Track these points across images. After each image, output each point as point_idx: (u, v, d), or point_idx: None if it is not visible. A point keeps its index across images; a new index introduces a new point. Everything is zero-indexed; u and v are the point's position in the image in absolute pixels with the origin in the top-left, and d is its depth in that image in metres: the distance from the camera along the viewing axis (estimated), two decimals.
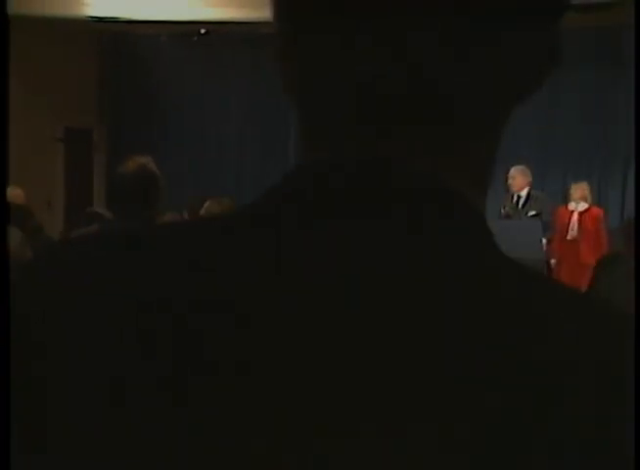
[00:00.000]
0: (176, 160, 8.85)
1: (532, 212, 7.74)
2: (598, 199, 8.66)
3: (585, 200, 8.14)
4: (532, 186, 8.06)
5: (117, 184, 2.99)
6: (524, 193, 7.94)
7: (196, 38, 9.62)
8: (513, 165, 8.20)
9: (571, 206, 8.21)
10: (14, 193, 5.53)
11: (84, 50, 9.53)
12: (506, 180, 8.07)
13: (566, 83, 9.61)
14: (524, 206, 7.89)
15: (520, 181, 7.96)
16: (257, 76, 10.38)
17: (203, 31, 9.17)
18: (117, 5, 7.15)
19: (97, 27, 7.94)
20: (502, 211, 7.84)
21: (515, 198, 7.97)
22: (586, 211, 8.10)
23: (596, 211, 8.14)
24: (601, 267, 5.34)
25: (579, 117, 9.66)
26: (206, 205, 4.38)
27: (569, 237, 8.06)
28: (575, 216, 8.12)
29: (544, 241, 7.48)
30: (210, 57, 10.09)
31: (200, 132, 9.61)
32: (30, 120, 7.24)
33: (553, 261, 8.07)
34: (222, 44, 9.77)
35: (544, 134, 9.84)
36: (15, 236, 3.84)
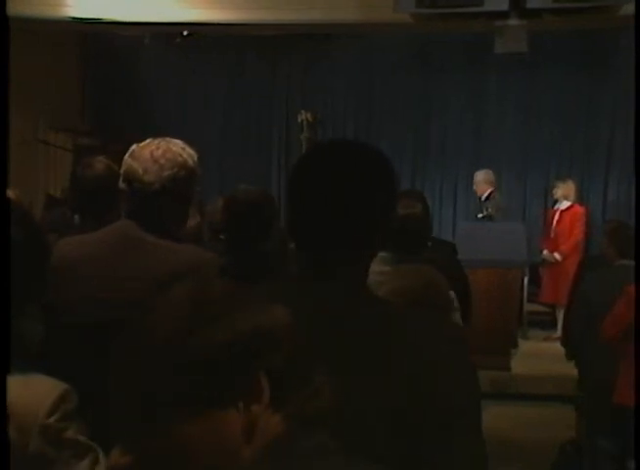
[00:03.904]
0: None
1: (480, 215, 7.81)
2: (580, 198, 8.72)
3: (567, 198, 8.20)
4: (495, 189, 8.07)
5: (83, 185, 2.92)
6: (484, 196, 8.00)
7: (179, 40, 9.59)
8: (478, 169, 8.33)
9: (557, 205, 8.31)
10: None
11: (67, 51, 9.48)
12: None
13: (550, 83, 9.69)
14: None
15: (482, 185, 8.05)
16: (240, 77, 10.40)
17: (185, 33, 9.15)
18: (100, 6, 7.12)
19: (80, 29, 7.89)
20: (484, 212, 7.88)
21: (479, 200, 8.10)
22: (568, 208, 8.17)
23: (577, 208, 8.20)
24: (585, 267, 5.39)
25: (562, 117, 9.72)
26: None
27: (552, 235, 8.14)
28: (557, 215, 8.20)
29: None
30: (193, 58, 10.08)
31: (183, 133, 9.54)
32: (12, 121, 7.19)
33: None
34: (205, 45, 9.76)
35: (528, 134, 9.89)
36: None
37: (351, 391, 1.12)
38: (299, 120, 9.16)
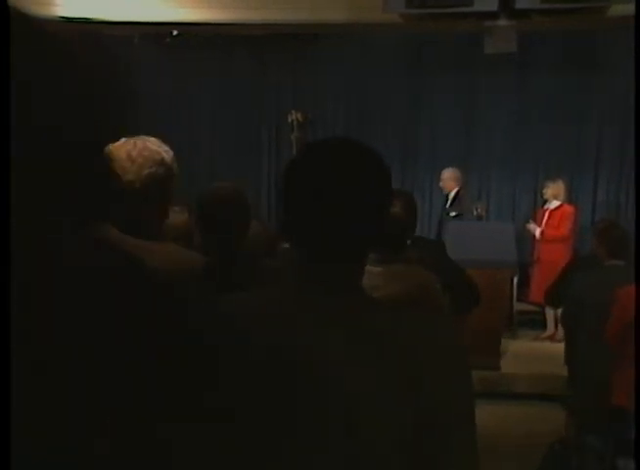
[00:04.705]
0: None
1: (453, 213, 7.94)
2: (570, 198, 8.76)
3: (557, 198, 8.24)
4: (462, 187, 8.21)
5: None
6: (452, 194, 8.12)
7: (168, 39, 9.57)
8: (444, 168, 8.48)
9: (546, 205, 8.36)
10: None
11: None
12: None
13: (540, 84, 9.72)
14: (451, 205, 8.12)
15: (449, 183, 8.18)
16: (230, 77, 10.39)
17: (175, 33, 9.12)
18: (89, 6, 7.10)
19: (69, 28, 7.86)
20: (474, 212, 7.91)
21: (445, 198, 8.19)
22: (557, 208, 8.21)
23: (566, 207, 8.24)
24: (574, 267, 5.40)
25: (552, 117, 9.75)
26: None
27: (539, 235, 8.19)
28: (547, 214, 8.24)
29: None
30: (183, 58, 10.06)
31: (172, 132, 9.55)
32: None
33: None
34: (194, 45, 9.74)
35: (518, 134, 9.92)
36: None
37: (348, 390, 1.13)
38: (290, 120, 9.15)
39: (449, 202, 8.15)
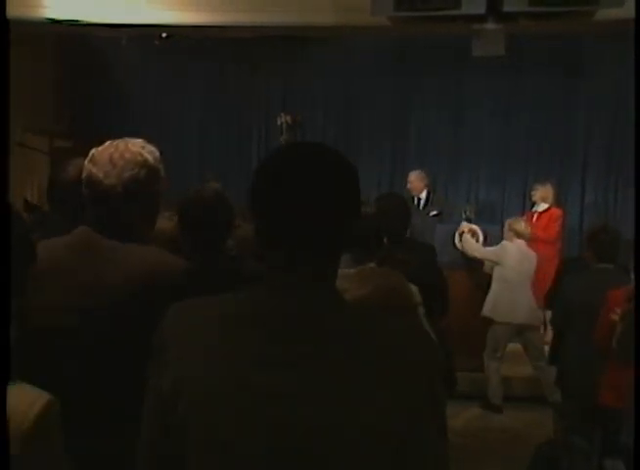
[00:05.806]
0: None
1: (434, 212, 8.02)
2: (558, 201, 8.80)
3: (545, 200, 8.28)
4: (430, 188, 8.34)
5: (59, 188, 2.86)
6: (423, 195, 8.23)
7: (157, 42, 9.55)
8: (412, 171, 8.57)
9: (535, 207, 8.40)
10: None
11: (44, 52, 9.41)
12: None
13: (526, 87, 9.77)
14: (424, 207, 8.19)
15: (417, 185, 8.29)
16: (219, 79, 10.39)
17: (164, 35, 9.11)
18: (78, 8, 7.08)
19: (57, 30, 7.84)
20: (463, 215, 7.94)
21: (415, 200, 8.25)
22: (545, 211, 8.25)
23: (554, 210, 8.29)
24: (564, 270, 5.43)
25: (540, 119, 9.79)
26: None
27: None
28: (535, 217, 8.28)
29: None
30: (172, 60, 10.05)
31: (160, 135, 9.55)
32: None
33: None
34: (183, 47, 9.72)
35: (507, 137, 9.96)
36: None
37: (325, 392, 1.15)
38: (279, 123, 9.15)
39: (422, 203, 8.25)
